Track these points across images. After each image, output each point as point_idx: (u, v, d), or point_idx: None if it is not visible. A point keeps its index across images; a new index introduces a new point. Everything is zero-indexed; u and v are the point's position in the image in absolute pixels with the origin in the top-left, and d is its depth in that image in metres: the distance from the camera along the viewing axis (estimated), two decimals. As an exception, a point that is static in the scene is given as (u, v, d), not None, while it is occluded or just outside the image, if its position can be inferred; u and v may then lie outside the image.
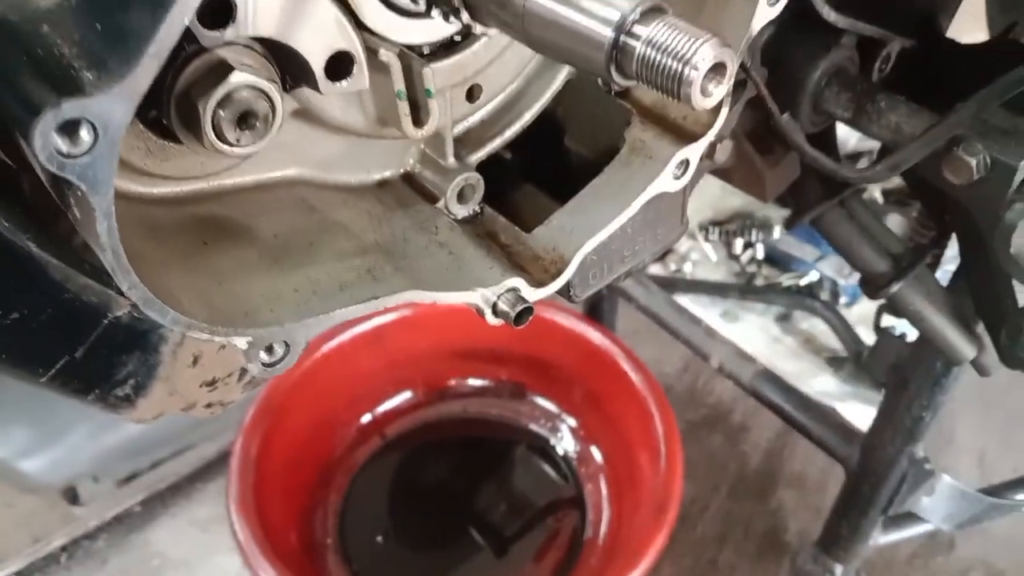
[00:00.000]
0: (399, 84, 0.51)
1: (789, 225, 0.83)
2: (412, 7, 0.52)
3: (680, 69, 0.40)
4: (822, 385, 1.55)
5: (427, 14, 0.52)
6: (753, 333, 1.60)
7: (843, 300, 1.68)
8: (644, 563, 1.08)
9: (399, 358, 1.44)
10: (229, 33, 0.42)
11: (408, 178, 0.62)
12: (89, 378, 0.50)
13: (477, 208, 0.63)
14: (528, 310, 0.57)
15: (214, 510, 1.38)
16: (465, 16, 0.48)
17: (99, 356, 0.49)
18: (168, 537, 1.34)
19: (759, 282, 1.71)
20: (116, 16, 0.35)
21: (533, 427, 1.48)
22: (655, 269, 1.77)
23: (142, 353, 0.51)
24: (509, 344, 1.45)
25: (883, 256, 0.83)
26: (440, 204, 0.61)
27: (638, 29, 0.41)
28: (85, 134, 0.34)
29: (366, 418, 1.45)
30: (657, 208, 0.66)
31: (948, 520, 1.19)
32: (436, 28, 0.54)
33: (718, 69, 0.41)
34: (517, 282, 0.56)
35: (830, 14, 0.63)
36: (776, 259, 1.73)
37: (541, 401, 1.49)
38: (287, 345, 0.46)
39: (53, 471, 1.40)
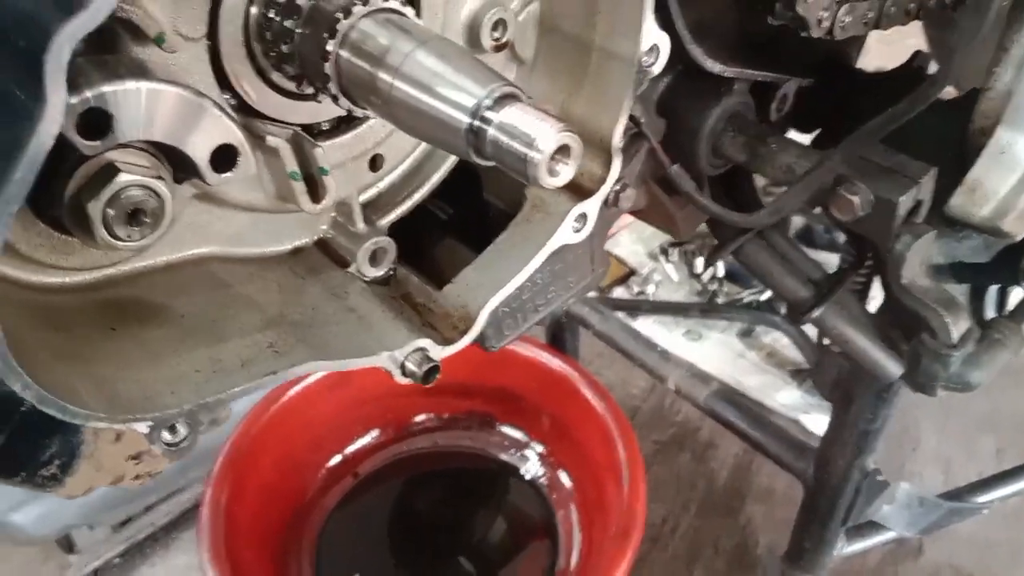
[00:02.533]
0: (291, 166, 0.54)
1: (710, 260, 0.86)
2: (300, 91, 0.55)
3: (526, 153, 0.43)
4: (786, 398, 1.58)
5: (315, 97, 0.55)
6: (717, 350, 1.62)
7: (805, 312, 1.70)
8: (610, 590, 1.10)
9: (365, 397, 1.47)
10: (109, 141, 0.44)
11: (322, 244, 0.65)
12: (14, 464, 0.52)
13: (390, 269, 0.65)
14: (435, 369, 0.59)
15: (192, 558, 1.39)
16: (343, 101, 0.50)
17: (21, 442, 0.52)
18: (147, 588, 1.35)
19: (721, 299, 1.74)
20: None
21: (503, 456, 1.50)
22: (619, 292, 1.80)
23: (64, 435, 0.53)
24: (474, 376, 1.48)
25: (804, 283, 0.86)
26: (352, 268, 0.63)
27: (490, 115, 0.44)
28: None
29: (335, 459, 1.47)
30: (564, 259, 0.68)
31: (910, 527, 1.21)
32: (328, 108, 0.57)
33: (563, 151, 0.44)
34: (424, 342, 0.59)
35: (715, 66, 0.66)
36: (737, 275, 1.76)
37: (509, 431, 1.51)
38: (189, 424, 0.48)
39: (47, 523, 1.42)
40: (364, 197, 0.65)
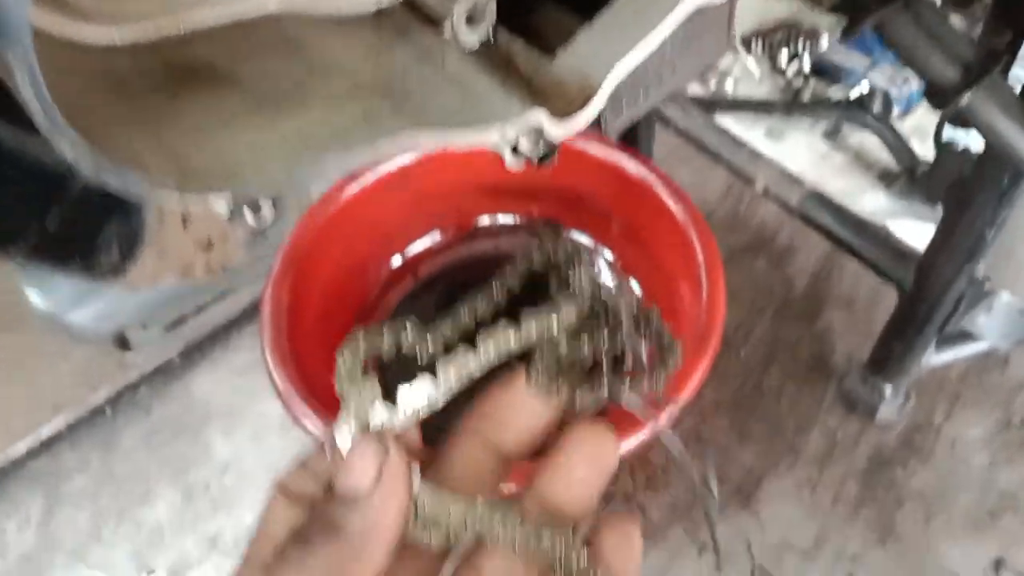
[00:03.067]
0: None
1: (847, 33, 0.73)
2: None
3: None
4: (873, 203, 1.47)
5: None
6: (799, 151, 1.51)
7: (896, 111, 1.57)
8: (687, 392, 1.05)
9: (426, 198, 1.39)
10: None
11: (409, 3, 0.55)
12: (70, 248, 0.45)
13: (489, 32, 0.55)
14: (552, 149, 0.50)
15: (251, 356, 1.38)
16: None
17: (77, 223, 0.44)
18: (208, 386, 1.34)
19: (806, 97, 1.60)
20: None
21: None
22: (694, 88, 1.67)
23: (126, 216, 0.46)
24: (540, 178, 1.38)
25: (953, 63, 0.74)
26: (446, 31, 0.53)
27: None
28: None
29: (396, 259, 1.41)
30: (700, 20, 0.57)
31: (1005, 338, 1.15)
32: None
33: None
34: (539, 115, 0.49)
35: None
36: (824, 71, 1.61)
37: (576, 236, 1.43)
38: (274, 203, 0.40)
39: (101, 321, 1.40)
40: (461, -60, 0.53)
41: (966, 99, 0.73)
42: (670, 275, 1.25)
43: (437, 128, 0.45)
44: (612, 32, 0.53)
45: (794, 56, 1.74)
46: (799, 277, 1.42)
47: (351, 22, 0.53)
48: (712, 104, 1.59)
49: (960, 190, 0.96)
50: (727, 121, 1.58)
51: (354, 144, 0.42)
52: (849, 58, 1.59)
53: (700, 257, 1.19)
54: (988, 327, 1.14)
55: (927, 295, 1.06)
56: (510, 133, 0.49)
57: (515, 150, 0.49)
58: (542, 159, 0.50)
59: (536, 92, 0.52)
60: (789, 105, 1.57)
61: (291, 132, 0.43)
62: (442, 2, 0.53)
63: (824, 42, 1.53)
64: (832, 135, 1.57)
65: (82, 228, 0.44)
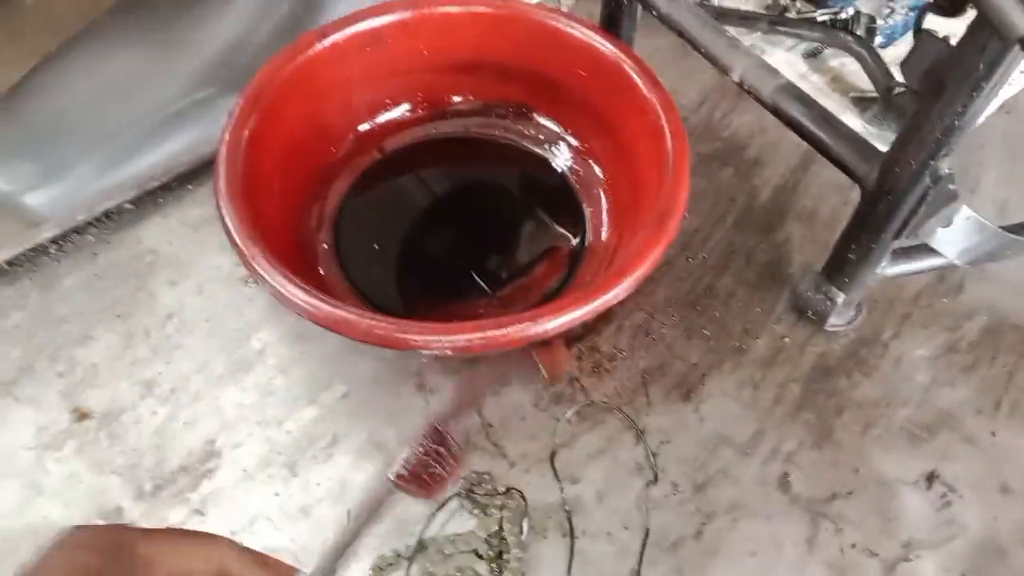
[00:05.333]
0: None
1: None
2: None
3: None
4: (846, 124, 1.47)
5: None
6: (780, 67, 1.50)
7: (879, 40, 1.56)
8: (639, 270, 1.05)
9: (398, 67, 1.36)
10: None
11: None
12: None
13: None
14: None
15: (206, 211, 1.35)
16: None
17: None
18: (160, 235, 1.31)
19: (792, 14, 1.58)
20: None
21: (536, 149, 1.42)
22: None
23: None
24: (516, 59, 1.36)
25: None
26: None
27: None
28: None
29: (363, 126, 1.38)
30: None
31: (962, 255, 1.15)
32: None
33: None
34: None
35: None
36: (812, -9, 1.60)
37: (545, 122, 1.42)
38: None
39: (59, 206, 1.37)
40: None
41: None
42: (637, 160, 1.24)
43: None
44: None
45: (783, -29, 1.70)
46: (764, 189, 1.42)
47: None
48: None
49: (934, 76, 0.95)
50: (711, 32, 1.57)
51: None
52: (838, -18, 1.58)
53: (668, 143, 1.18)
54: (947, 241, 1.14)
55: (890, 191, 1.05)
56: None
57: None
58: None
59: None
60: (774, 20, 1.56)
61: None
62: None
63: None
64: (813, 56, 1.57)
65: None
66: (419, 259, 1.32)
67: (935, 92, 0.96)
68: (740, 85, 1.19)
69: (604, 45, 1.28)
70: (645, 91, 1.23)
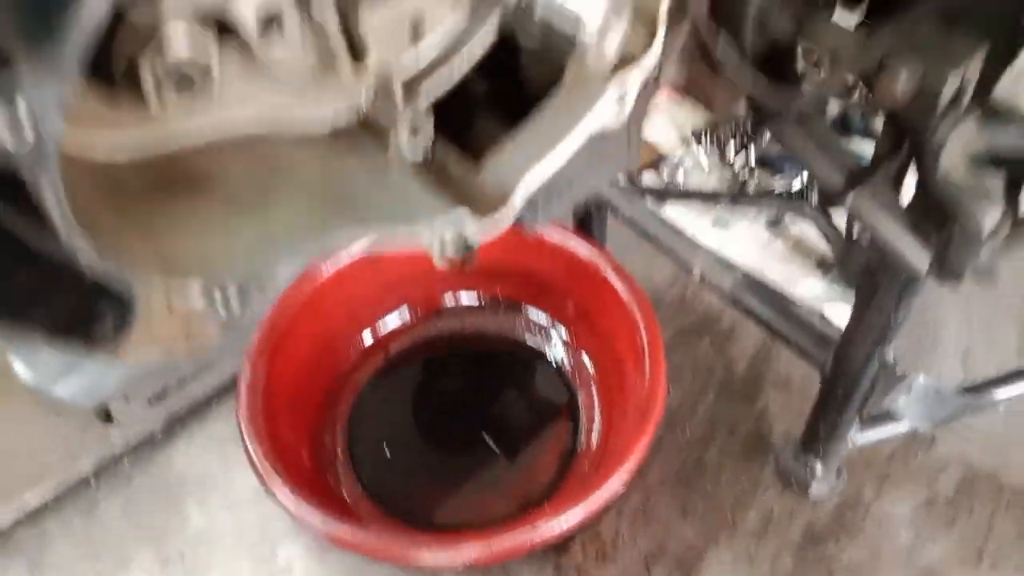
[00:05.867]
0: (332, 24, 0.53)
1: (753, 131, 0.86)
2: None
3: (576, 26, 0.43)
4: (810, 288, 1.59)
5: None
6: (744, 238, 1.63)
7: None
8: (628, 466, 1.14)
9: (395, 279, 1.49)
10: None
11: (361, 122, 0.66)
12: (68, 321, 0.55)
13: (428, 144, 0.66)
14: (473, 252, 0.61)
15: (228, 426, 1.45)
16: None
17: (75, 299, 0.54)
18: (188, 455, 1.42)
19: (751, 188, 1.73)
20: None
21: (529, 340, 1.54)
22: (648, 178, 1.80)
23: (119, 300, 0.56)
24: (503, 260, 1.50)
25: (838, 168, 0.86)
26: (392, 144, 0.64)
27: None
28: (25, 116, 0.37)
29: (368, 337, 1.51)
30: (603, 139, 0.69)
31: (925, 419, 1.23)
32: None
33: (609, 24, 0.44)
34: (462, 213, 0.60)
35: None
36: (768, 163, 1.74)
37: (535, 314, 1.54)
38: (241, 295, 0.51)
39: (84, 394, 1.47)
40: (404, 76, 0.65)
41: (849, 199, 0.85)
42: (618, 354, 1.36)
43: (374, 225, 0.56)
44: (527, 146, 0.64)
45: (742, 147, 1.89)
46: (740, 359, 1.52)
47: (311, 137, 0.64)
48: (664, 193, 1.72)
49: (868, 279, 1.07)
50: (678, 210, 1.71)
51: (305, 242, 0.53)
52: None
53: (643, 336, 1.29)
54: (909, 408, 1.22)
55: (844, 377, 1.16)
56: (437, 229, 0.59)
57: (442, 249, 0.60)
58: (464, 257, 0.60)
59: (464, 196, 0.63)
60: (735, 196, 1.70)
61: (254, 233, 0.53)
62: (389, 118, 0.64)
63: (768, 134, 1.69)
64: (775, 224, 1.70)
65: (80, 307, 0.54)
66: (432, 459, 1.43)
67: (870, 290, 1.08)
68: (701, 279, 1.31)
69: (579, 246, 1.42)
70: (617, 286, 1.35)
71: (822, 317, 1.54)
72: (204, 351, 0.63)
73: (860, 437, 1.28)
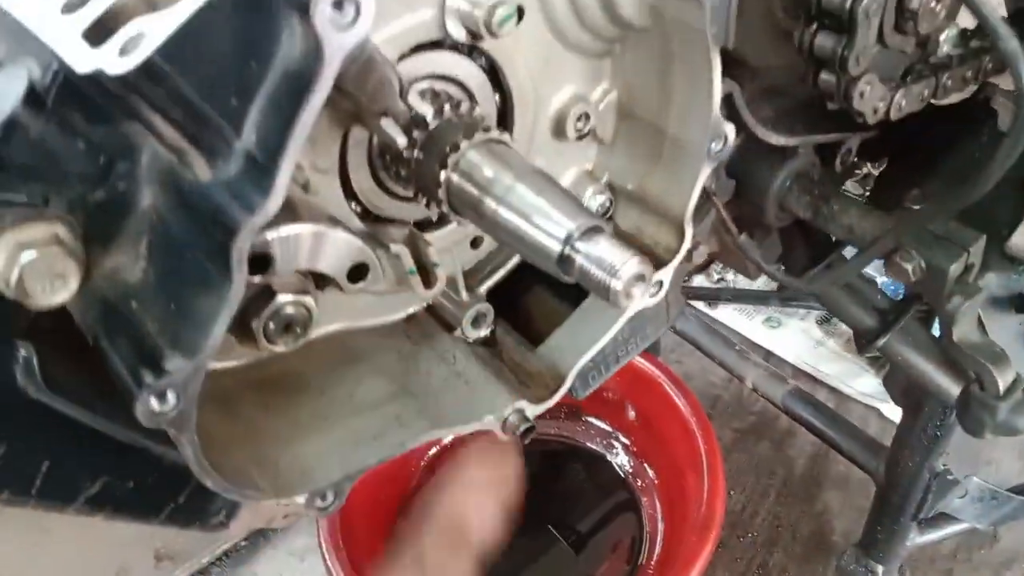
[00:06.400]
0: (408, 264, 0.63)
1: (781, 288, 0.92)
2: (404, 193, 0.63)
3: (608, 280, 0.51)
4: (864, 385, 1.62)
5: (415, 199, 0.63)
6: (796, 337, 1.68)
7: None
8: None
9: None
10: (268, 275, 0.54)
11: (431, 309, 0.75)
12: (190, 515, 0.64)
13: (489, 331, 0.74)
14: (531, 428, 0.69)
15: (308, 540, 1.54)
16: (445, 207, 0.59)
17: (196, 500, 0.63)
18: (271, 568, 1.50)
19: (799, 288, 1.78)
20: (184, 298, 0.48)
21: (591, 445, 1.60)
22: (699, 280, 1.86)
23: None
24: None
25: (869, 312, 0.92)
26: (458, 332, 0.73)
27: (579, 245, 0.52)
28: (171, 397, 0.47)
29: (434, 449, 1.59)
30: (643, 314, 0.76)
31: (982, 519, 1.26)
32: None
33: (639, 277, 0.52)
34: (521, 404, 0.69)
35: (779, 139, 0.73)
36: (816, 262, 1.80)
37: (596, 421, 1.60)
38: (335, 493, 0.59)
39: None
40: (465, 268, 0.74)
41: (882, 343, 0.91)
42: (678, 462, 1.41)
43: (448, 424, 0.64)
44: (577, 331, 0.72)
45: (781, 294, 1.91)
46: (799, 459, 1.56)
47: (389, 328, 0.73)
48: (715, 295, 1.78)
49: (911, 396, 1.12)
50: (729, 311, 1.77)
51: (389, 444, 0.61)
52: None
53: (701, 447, 1.35)
54: (965, 509, 1.25)
55: (897, 485, 1.20)
56: (502, 415, 0.68)
57: (504, 427, 0.68)
58: (525, 433, 0.68)
59: (521, 379, 0.72)
60: (784, 296, 1.75)
61: (345, 436, 0.62)
62: (455, 310, 0.73)
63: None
64: (826, 322, 1.75)
65: (200, 501, 0.63)
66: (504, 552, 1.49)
67: (915, 408, 1.12)
68: (754, 390, 1.36)
69: (638, 359, 1.48)
70: (675, 397, 1.42)
71: (880, 415, 1.58)
72: (296, 519, 0.72)
73: (920, 538, 1.31)
